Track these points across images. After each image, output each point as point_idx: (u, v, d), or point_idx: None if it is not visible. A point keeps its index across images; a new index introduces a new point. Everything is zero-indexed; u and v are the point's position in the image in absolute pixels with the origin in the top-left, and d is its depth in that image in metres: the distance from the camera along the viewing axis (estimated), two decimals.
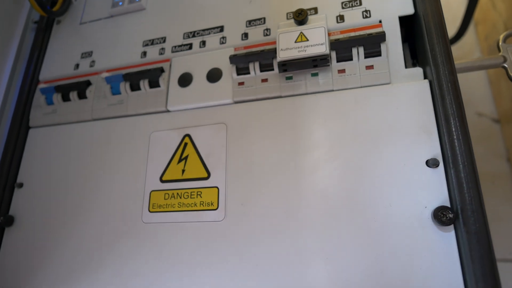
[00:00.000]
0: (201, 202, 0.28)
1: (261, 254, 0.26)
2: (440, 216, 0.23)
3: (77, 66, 0.38)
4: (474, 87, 0.55)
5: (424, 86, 0.26)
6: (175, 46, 0.35)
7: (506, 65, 0.29)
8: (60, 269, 0.30)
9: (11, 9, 0.43)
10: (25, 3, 0.44)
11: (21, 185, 0.35)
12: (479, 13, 0.55)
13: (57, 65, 0.39)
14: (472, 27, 0.57)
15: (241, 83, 0.31)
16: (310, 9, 0.31)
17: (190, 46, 0.34)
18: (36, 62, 0.40)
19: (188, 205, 0.29)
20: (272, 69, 0.30)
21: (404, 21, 0.29)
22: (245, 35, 0.33)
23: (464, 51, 0.57)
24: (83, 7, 0.42)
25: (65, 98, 0.37)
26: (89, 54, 0.38)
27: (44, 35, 0.42)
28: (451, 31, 0.48)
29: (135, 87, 0.34)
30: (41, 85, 0.38)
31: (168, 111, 0.33)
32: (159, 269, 0.28)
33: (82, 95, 0.37)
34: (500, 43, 0.30)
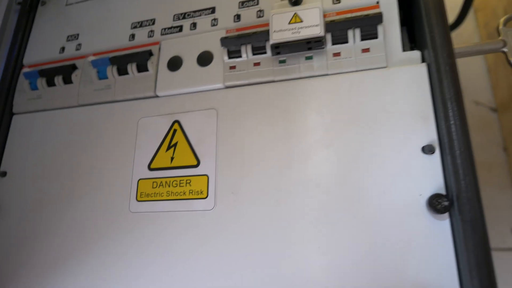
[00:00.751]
0: (190, 191, 0.28)
1: (252, 243, 0.25)
2: (435, 204, 0.22)
3: (62, 49, 0.37)
4: (472, 75, 0.55)
5: (421, 69, 0.25)
6: (164, 29, 0.34)
7: (505, 50, 0.28)
8: (46, 259, 0.30)
9: None
10: None
11: (4, 174, 0.34)
12: (479, 0, 0.54)
13: (41, 49, 0.38)
14: (471, 14, 0.56)
15: (232, 67, 0.30)
16: None
17: (180, 29, 0.33)
18: (20, 46, 0.38)
19: (177, 193, 0.28)
20: (265, 52, 0.29)
21: (402, 4, 0.28)
22: (237, 17, 0.31)
23: (463, 38, 0.56)
24: None
25: (50, 83, 0.35)
26: (75, 36, 0.37)
27: (28, 16, 0.40)
28: (450, 18, 0.47)
29: (122, 71, 0.33)
30: (25, 70, 0.37)
31: (156, 96, 0.32)
32: (147, 259, 0.27)
33: (67, 80, 0.35)
34: (500, 27, 0.29)
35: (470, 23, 0.55)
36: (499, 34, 0.29)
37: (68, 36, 0.37)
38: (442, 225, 0.23)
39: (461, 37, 0.55)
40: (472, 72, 0.54)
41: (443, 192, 0.23)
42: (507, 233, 0.46)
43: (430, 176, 0.23)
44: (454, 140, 0.22)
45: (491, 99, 0.52)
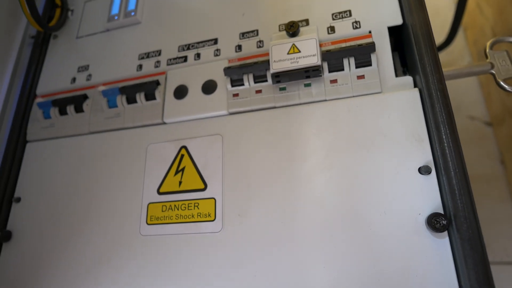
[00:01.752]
0: (199, 214, 0.29)
1: (259, 264, 0.26)
2: (434, 223, 0.23)
3: (73, 80, 0.39)
4: (466, 91, 0.56)
5: (414, 94, 0.27)
6: (170, 59, 0.36)
7: (493, 72, 0.30)
8: (58, 283, 0.30)
9: (8, 24, 0.44)
10: (22, 18, 0.45)
11: (18, 200, 0.35)
12: (467, 18, 0.56)
13: (54, 79, 0.40)
14: (461, 32, 0.58)
15: (235, 95, 0.31)
16: (301, 21, 0.32)
17: (185, 59, 0.35)
18: (33, 77, 0.41)
19: (185, 216, 0.29)
20: (266, 81, 0.31)
21: (394, 30, 0.30)
22: (239, 47, 0.33)
23: (454, 56, 0.58)
24: (79, 22, 0.42)
25: (62, 112, 0.37)
26: (86, 68, 0.39)
27: (41, 49, 0.42)
28: (440, 37, 0.49)
29: (131, 100, 0.35)
30: (38, 99, 0.39)
31: (164, 123, 0.33)
32: (157, 281, 0.28)
33: (79, 109, 0.37)
34: (487, 50, 0.31)
35: (460, 41, 0.57)
36: (486, 57, 0.31)
37: (79, 67, 0.39)
38: (442, 244, 0.23)
39: (452, 55, 0.57)
40: (465, 88, 0.56)
41: (441, 211, 0.24)
42: (510, 246, 0.46)
43: (428, 195, 0.24)
44: (449, 161, 0.24)
45: (485, 113, 0.54)
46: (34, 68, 0.41)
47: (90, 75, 0.38)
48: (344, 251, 0.25)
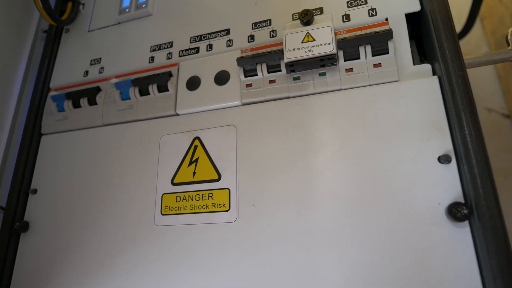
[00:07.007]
0: (213, 204, 0.29)
1: (274, 254, 0.26)
2: (455, 212, 0.23)
3: (86, 73, 0.39)
4: (483, 82, 0.55)
5: (433, 82, 0.26)
6: (182, 50, 0.36)
7: None
8: (74, 273, 0.31)
9: (21, 19, 0.44)
10: (35, 12, 0.46)
11: (35, 191, 0.36)
12: (485, 8, 0.54)
13: (67, 73, 0.40)
14: (478, 22, 0.56)
15: (249, 85, 0.31)
16: (315, 9, 0.32)
17: (197, 50, 0.35)
18: (47, 70, 0.41)
19: (200, 207, 0.29)
20: (280, 70, 0.30)
21: (410, 18, 0.29)
22: (252, 37, 0.33)
23: (471, 46, 0.57)
24: (91, 15, 0.42)
25: (76, 105, 0.38)
26: (98, 60, 0.39)
27: (54, 43, 0.43)
28: (457, 27, 0.48)
29: (144, 92, 0.35)
30: (52, 93, 0.39)
31: (177, 114, 0.33)
32: (172, 271, 0.28)
33: (92, 102, 0.37)
34: (509, 37, 0.30)
35: (477, 31, 0.56)
36: (508, 44, 0.30)
37: (91, 60, 0.39)
38: (463, 233, 0.23)
39: (469, 45, 0.56)
40: (483, 79, 0.54)
41: (461, 200, 0.23)
42: None
43: (448, 185, 0.24)
44: (470, 150, 0.23)
45: (503, 105, 0.52)
46: (47, 62, 0.41)
47: (102, 68, 0.38)
48: (361, 241, 0.24)
